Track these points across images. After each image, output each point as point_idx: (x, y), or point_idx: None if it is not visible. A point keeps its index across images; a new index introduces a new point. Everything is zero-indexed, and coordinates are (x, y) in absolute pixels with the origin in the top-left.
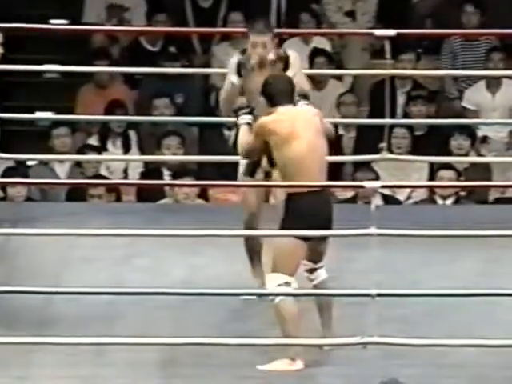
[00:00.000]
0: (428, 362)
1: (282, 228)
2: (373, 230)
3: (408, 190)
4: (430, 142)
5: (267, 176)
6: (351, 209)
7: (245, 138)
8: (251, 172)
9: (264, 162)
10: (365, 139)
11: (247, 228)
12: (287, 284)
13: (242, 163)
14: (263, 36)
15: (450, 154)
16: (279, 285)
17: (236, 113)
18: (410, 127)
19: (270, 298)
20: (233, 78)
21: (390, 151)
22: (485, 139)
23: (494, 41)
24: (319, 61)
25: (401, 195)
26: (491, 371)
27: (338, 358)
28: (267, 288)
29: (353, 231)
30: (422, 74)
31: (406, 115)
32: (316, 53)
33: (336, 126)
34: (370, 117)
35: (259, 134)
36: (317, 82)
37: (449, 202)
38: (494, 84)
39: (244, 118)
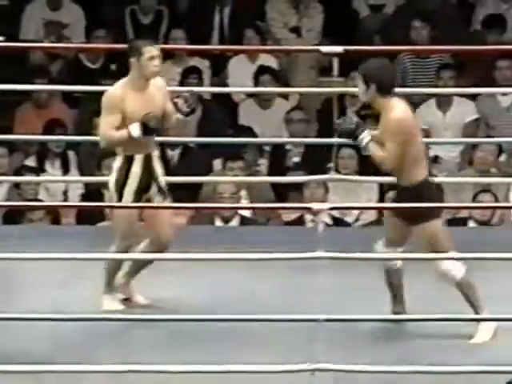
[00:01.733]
0: None
1: (429, 214)
2: (320, 254)
3: (356, 211)
4: None
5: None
6: (299, 231)
7: (380, 153)
8: None
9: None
10: (312, 159)
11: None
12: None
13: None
14: (157, 48)
15: None
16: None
17: (350, 136)
18: (357, 147)
19: (451, 278)
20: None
21: (338, 172)
22: (436, 159)
23: (446, 57)
24: (264, 79)
25: (349, 217)
26: None
27: None
28: (445, 267)
29: (300, 254)
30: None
31: None
32: (261, 71)
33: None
34: (318, 136)
35: (400, 133)
36: (262, 101)
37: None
38: (444, 102)
39: (366, 137)
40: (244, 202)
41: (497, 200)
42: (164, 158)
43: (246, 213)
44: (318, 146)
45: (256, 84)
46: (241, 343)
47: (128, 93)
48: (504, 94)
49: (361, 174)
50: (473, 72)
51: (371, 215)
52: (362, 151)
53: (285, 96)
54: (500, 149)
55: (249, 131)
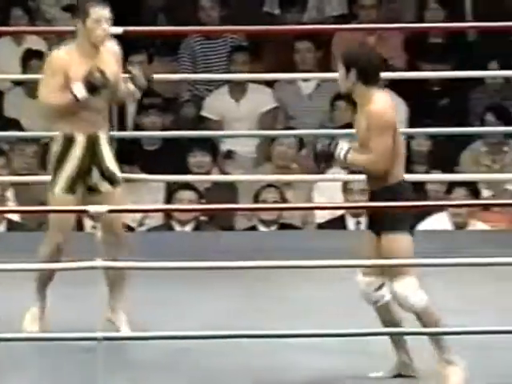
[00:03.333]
0: None
1: (393, 222)
2: (98, 263)
3: (139, 215)
4: (165, 158)
5: (92, 190)
6: (77, 237)
7: (362, 157)
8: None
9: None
10: None
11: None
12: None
13: None
14: (107, 10)
15: (189, 171)
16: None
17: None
18: (139, 141)
19: (410, 306)
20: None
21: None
22: (229, 154)
23: (240, 38)
24: (34, 64)
25: (132, 221)
26: None
27: None
28: (403, 292)
29: (74, 264)
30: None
31: (137, 127)
32: (29, 55)
33: None
34: None
35: (389, 128)
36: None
37: (188, 228)
38: (238, 89)
39: (343, 148)
40: (11, 205)
41: (283, 197)
42: None
43: (15, 217)
44: None
45: (24, 70)
46: None
47: (74, 58)
48: (305, 80)
49: (145, 171)
50: (270, 55)
51: (158, 219)
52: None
53: None
54: (301, 142)
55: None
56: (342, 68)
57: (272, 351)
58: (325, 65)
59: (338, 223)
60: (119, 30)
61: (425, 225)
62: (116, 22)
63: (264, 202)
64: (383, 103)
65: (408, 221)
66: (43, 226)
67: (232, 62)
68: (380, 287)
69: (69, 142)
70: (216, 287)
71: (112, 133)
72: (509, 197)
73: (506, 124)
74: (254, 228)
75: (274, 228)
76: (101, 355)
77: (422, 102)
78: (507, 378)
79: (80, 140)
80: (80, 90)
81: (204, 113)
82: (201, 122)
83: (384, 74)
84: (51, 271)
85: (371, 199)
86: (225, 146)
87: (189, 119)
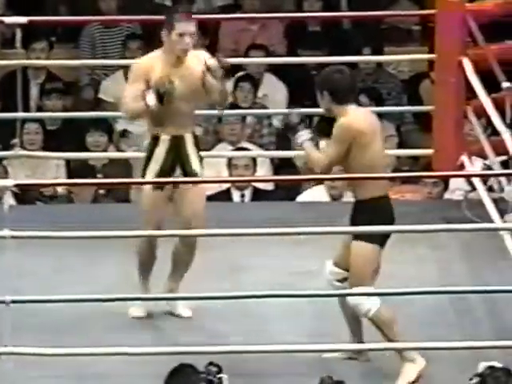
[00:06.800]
0: (70, 373)
1: (363, 235)
2: (6, 232)
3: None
4: (65, 137)
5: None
6: None
7: (315, 154)
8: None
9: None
10: None
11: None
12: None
13: None
14: (191, 24)
15: (87, 149)
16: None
17: (290, 131)
18: (42, 122)
19: (363, 313)
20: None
21: (23, 148)
22: (124, 133)
23: (135, 27)
24: None
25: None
26: (137, 381)
27: None
28: (355, 300)
29: None
30: (55, 63)
31: (39, 109)
32: None
33: None
34: (1, 111)
35: (345, 139)
36: None
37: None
38: None
39: (304, 135)
40: None
41: None
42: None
43: None
44: (2, 122)
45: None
46: None
47: (157, 65)
48: None
49: (47, 149)
50: (162, 43)
51: (61, 192)
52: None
53: None
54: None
55: None
56: (317, 92)
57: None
58: (212, 52)
59: (223, 196)
60: (24, 19)
61: (303, 197)
62: (21, 13)
63: None
64: (353, 117)
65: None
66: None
67: (127, 48)
68: (344, 280)
69: (155, 141)
70: (112, 255)
71: (16, 114)
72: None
73: (378, 105)
74: None
75: None
76: (8, 318)
77: (301, 86)
78: None
79: (164, 140)
80: (151, 99)
81: (101, 95)
82: (98, 104)
83: (265, 60)
84: (150, 254)
85: (352, 210)
86: (120, 126)
87: (87, 101)
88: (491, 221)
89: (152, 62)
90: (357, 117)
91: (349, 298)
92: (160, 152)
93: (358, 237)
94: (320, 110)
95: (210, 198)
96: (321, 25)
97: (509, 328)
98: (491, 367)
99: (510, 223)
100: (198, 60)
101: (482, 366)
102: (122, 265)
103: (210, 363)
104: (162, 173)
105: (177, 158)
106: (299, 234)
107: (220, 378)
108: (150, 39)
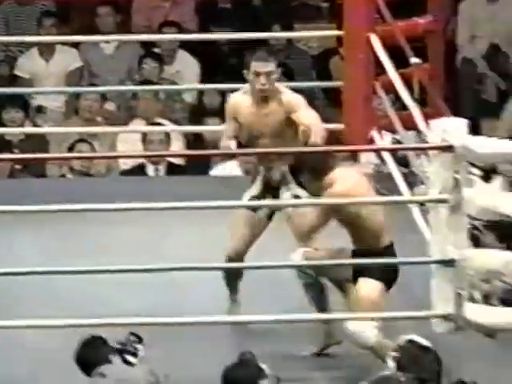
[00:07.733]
0: None
1: (369, 268)
2: None
3: None
4: None
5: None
6: None
7: (308, 216)
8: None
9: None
10: None
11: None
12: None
13: None
14: (268, 65)
15: (4, 125)
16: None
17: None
18: None
19: (361, 341)
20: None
21: None
22: (40, 109)
23: (49, 5)
24: None
25: None
26: (51, 354)
27: None
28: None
29: None
30: None
31: None
32: None
33: None
34: None
35: (328, 214)
36: None
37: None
38: (47, 51)
39: (292, 189)
40: None
41: (93, 149)
42: None
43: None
44: None
45: None
46: None
47: (245, 103)
48: (107, 42)
49: None
50: (76, 20)
51: None
52: None
53: None
54: (104, 97)
55: None
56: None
57: (81, 287)
58: (124, 28)
59: (139, 170)
60: None
61: (216, 171)
62: None
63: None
64: (340, 188)
65: (385, 271)
66: None
67: (41, 25)
68: None
69: (255, 168)
70: (30, 230)
71: None
72: None
73: (289, 80)
74: (63, 176)
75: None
76: None
77: (213, 62)
78: None
79: (260, 170)
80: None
81: (16, 72)
82: (14, 81)
83: (178, 36)
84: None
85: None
86: (36, 102)
87: (3, 78)
88: (400, 194)
89: (241, 99)
90: (346, 182)
91: (347, 327)
92: (257, 182)
93: (363, 274)
94: (233, 86)
95: (124, 173)
96: (231, 2)
97: (418, 300)
98: (410, 341)
99: (418, 196)
100: (284, 105)
101: (401, 340)
102: (39, 239)
103: (131, 333)
104: (260, 198)
105: (270, 190)
106: (214, 208)
107: (136, 348)
108: (64, 17)
